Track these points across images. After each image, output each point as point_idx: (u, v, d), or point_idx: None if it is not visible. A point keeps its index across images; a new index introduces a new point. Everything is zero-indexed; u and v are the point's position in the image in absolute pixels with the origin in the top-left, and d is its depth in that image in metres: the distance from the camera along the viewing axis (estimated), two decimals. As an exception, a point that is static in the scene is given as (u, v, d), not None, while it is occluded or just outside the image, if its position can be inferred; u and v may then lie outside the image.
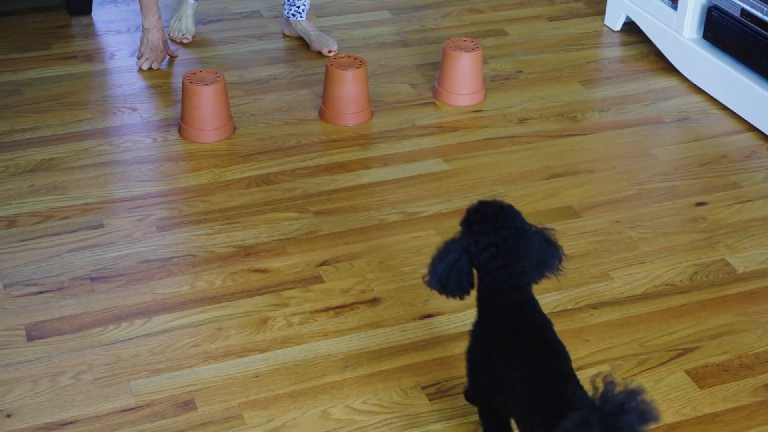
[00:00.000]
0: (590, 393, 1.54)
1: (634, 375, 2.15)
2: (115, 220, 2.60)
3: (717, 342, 2.25)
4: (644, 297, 2.38)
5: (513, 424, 1.87)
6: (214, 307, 2.32)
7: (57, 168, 2.81)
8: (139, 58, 3.28)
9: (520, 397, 1.66)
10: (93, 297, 2.34)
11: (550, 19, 3.69)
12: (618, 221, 2.63)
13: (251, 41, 3.49)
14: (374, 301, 2.35)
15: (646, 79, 3.31)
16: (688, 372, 2.17)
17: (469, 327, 1.89)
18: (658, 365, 2.18)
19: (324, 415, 2.05)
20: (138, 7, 3.60)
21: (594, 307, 2.34)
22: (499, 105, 3.15)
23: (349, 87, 2.99)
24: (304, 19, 3.42)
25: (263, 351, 2.20)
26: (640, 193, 2.75)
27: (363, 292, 2.38)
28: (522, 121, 3.08)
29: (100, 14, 3.64)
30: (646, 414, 1.48)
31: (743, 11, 3.05)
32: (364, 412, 2.06)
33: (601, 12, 3.69)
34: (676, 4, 3.28)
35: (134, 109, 3.09)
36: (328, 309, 2.33)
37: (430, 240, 2.54)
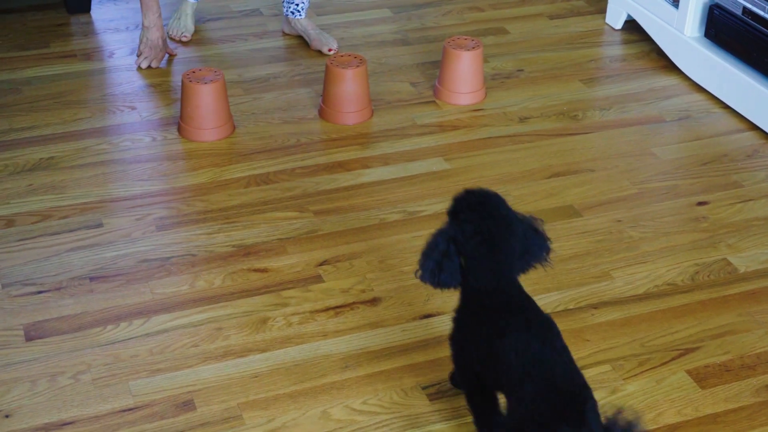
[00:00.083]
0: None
1: (635, 375, 2.14)
2: (114, 220, 2.59)
3: (718, 342, 2.24)
4: (645, 297, 2.37)
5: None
6: (214, 306, 2.32)
7: (56, 167, 2.80)
8: (138, 56, 3.27)
9: (514, 368, 1.70)
10: (92, 297, 2.34)
11: (551, 17, 3.68)
12: (619, 220, 2.63)
13: (251, 40, 3.48)
14: (374, 301, 2.34)
15: (648, 77, 3.30)
16: (689, 372, 2.16)
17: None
18: (659, 365, 2.17)
19: (324, 416, 2.04)
20: (137, 5, 3.59)
21: (595, 306, 2.33)
22: (499, 104, 3.14)
23: (350, 86, 2.98)
24: (302, 17, 3.41)
25: (263, 351, 2.19)
26: (641, 192, 2.74)
27: (363, 291, 2.37)
28: (523, 119, 3.07)
29: (99, 12, 3.64)
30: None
31: (745, 9, 3.04)
32: (365, 413, 2.05)
33: (602, 10, 3.68)
34: (678, 2, 3.27)
35: (133, 108, 3.08)
36: (327, 309, 2.32)
37: (430, 239, 2.53)
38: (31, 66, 3.29)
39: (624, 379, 2.13)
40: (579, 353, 2.18)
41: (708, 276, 2.44)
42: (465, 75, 3.11)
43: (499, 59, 3.39)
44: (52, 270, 2.41)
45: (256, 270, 2.43)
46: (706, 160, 2.89)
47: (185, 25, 3.45)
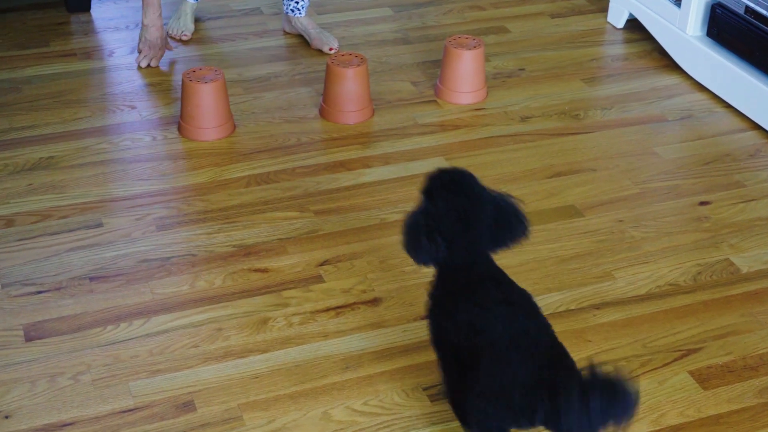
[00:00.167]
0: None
1: (637, 376, 2.13)
2: (114, 219, 2.59)
3: (721, 343, 2.23)
4: (647, 297, 2.36)
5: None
6: (214, 307, 2.31)
7: (56, 166, 2.79)
8: (138, 54, 3.26)
9: (499, 339, 1.73)
10: (92, 297, 2.33)
11: (553, 16, 3.67)
12: (621, 220, 2.62)
13: (251, 38, 3.48)
14: (375, 301, 2.33)
15: (650, 76, 3.29)
16: (691, 373, 2.15)
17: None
18: (661, 366, 2.17)
19: (325, 417, 2.03)
20: (137, 4, 3.58)
21: (597, 307, 2.33)
22: (501, 103, 3.14)
23: (350, 85, 2.97)
24: (302, 15, 3.40)
25: (263, 351, 2.19)
26: (643, 192, 2.73)
27: (364, 292, 2.36)
28: (524, 119, 3.06)
29: (99, 11, 3.63)
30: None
31: (747, 8, 3.03)
32: (366, 414, 2.04)
33: (604, 9, 3.68)
34: (680, 1, 3.26)
35: (133, 107, 3.07)
36: (328, 309, 2.31)
37: (431, 239, 2.52)
38: (31, 65, 3.28)
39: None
40: (581, 354, 2.17)
41: (710, 276, 2.43)
42: (466, 74, 3.10)
43: (500, 58, 3.39)
44: (51, 270, 2.41)
45: (256, 270, 2.42)
46: (709, 159, 2.88)
47: (185, 24, 3.44)
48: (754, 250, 2.52)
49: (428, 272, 2.02)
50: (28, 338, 2.21)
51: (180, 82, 3.03)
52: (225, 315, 2.28)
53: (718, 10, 3.13)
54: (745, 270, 2.45)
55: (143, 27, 3.21)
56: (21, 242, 2.50)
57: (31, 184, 2.72)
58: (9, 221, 2.57)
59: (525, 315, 1.78)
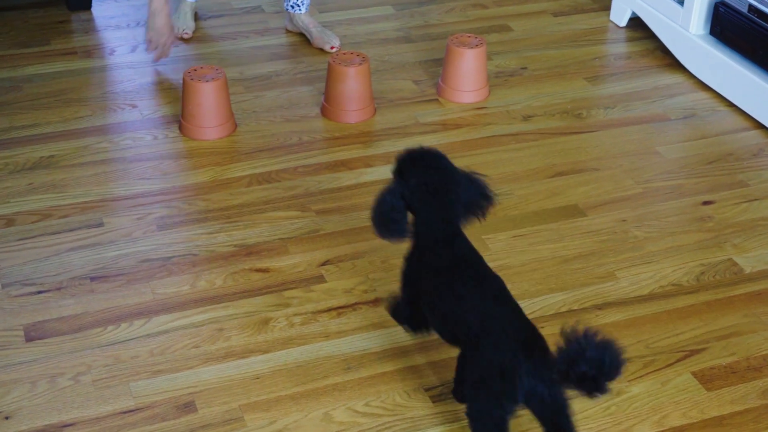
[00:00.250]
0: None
1: (640, 377, 2.12)
2: (115, 219, 2.58)
3: (724, 343, 2.22)
4: (650, 297, 2.35)
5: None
6: (215, 307, 2.30)
7: (56, 166, 2.78)
8: (148, 45, 3.21)
9: (472, 323, 1.80)
10: (92, 297, 2.32)
11: (555, 14, 3.66)
12: (624, 220, 2.61)
13: (252, 37, 3.47)
14: (377, 302, 2.32)
15: (652, 75, 3.28)
16: (694, 374, 2.14)
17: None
18: (664, 367, 2.16)
19: (326, 418, 2.03)
20: (138, 2, 3.58)
21: (599, 307, 2.32)
22: (503, 102, 3.13)
23: (352, 84, 2.96)
24: (303, 12, 3.39)
25: (264, 352, 2.18)
26: (645, 191, 2.72)
27: (365, 292, 2.35)
28: (526, 118, 3.05)
29: (99, 10, 3.62)
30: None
31: (750, 7, 3.02)
32: (367, 415, 2.04)
33: (607, 7, 3.66)
34: (683, -1, 3.26)
35: (134, 106, 3.06)
36: (330, 309, 2.30)
37: (433, 239, 2.52)
38: (31, 63, 3.27)
39: (629, 381, 2.11)
40: (583, 355, 2.16)
41: (713, 276, 2.42)
42: (468, 73, 3.09)
43: (502, 57, 3.38)
44: (52, 270, 2.40)
45: (257, 270, 2.41)
46: (712, 159, 2.87)
47: (186, 23, 3.43)
48: (757, 250, 2.51)
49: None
50: (29, 338, 2.20)
51: (181, 81, 3.02)
52: (226, 315, 2.28)
53: (721, 9, 3.12)
54: (748, 270, 2.44)
55: (150, 14, 3.18)
56: (21, 242, 2.49)
57: (31, 184, 2.71)
58: (9, 221, 2.57)
59: (497, 301, 1.83)
